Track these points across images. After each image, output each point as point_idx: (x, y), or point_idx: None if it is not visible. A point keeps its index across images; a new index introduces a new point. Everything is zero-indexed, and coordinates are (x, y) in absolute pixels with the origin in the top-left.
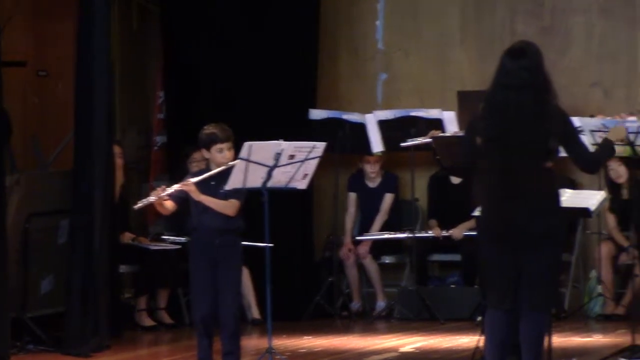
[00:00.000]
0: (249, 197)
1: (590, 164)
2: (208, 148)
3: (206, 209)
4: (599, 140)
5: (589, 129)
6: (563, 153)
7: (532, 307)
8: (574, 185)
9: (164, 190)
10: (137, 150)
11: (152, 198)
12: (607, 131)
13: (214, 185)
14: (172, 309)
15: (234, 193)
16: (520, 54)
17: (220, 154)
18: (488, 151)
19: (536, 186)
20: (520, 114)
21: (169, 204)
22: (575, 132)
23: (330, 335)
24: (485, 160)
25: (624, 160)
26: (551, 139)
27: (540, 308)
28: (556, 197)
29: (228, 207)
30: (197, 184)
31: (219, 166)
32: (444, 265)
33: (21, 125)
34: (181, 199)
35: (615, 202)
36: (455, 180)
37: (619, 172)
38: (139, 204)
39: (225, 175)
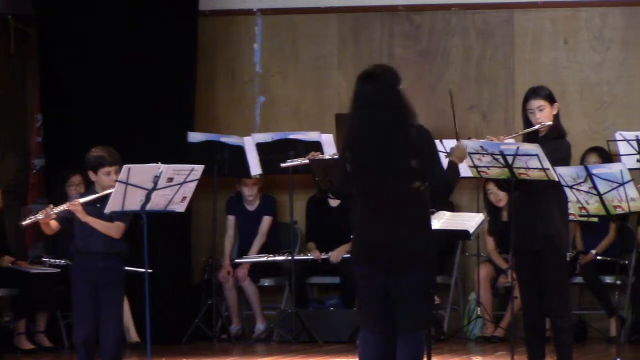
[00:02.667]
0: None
1: (444, 189)
2: (95, 171)
3: (92, 232)
4: (477, 162)
5: (467, 151)
6: None
7: (404, 328)
8: (453, 208)
9: (51, 209)
10: (15, 173)
11: (39, 216)
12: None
13: (100, 208)
14: (51, 332)
15: (120, 216)
16: (372, 77)
17: (108, 177)
18: (355, 175)
19: (403, 207)
20: (377, 136)
21: (54, 224)
22: (433, 154)
23: (210, 358)
24: (355, 183)
25: (501, 183)
26: (411, 160)
27: (411, 329)
28: (425, 219)
29: (114, 229)
30: (83, 205)
31: (105, 189)
32: (323, 288)
33: None
34: (66, 219)
35: (494, 225)
36: (334, 202)
37: (499, 195)
38: (27, 221)
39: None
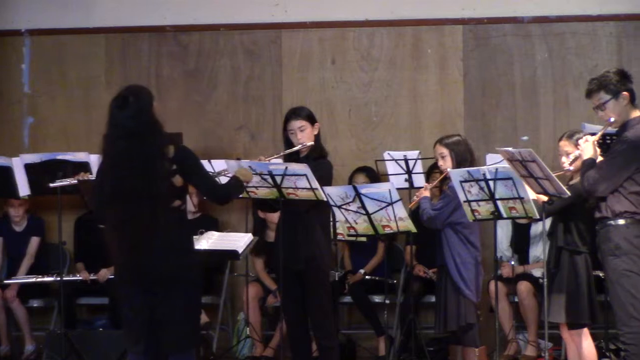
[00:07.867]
0: None
1: (218, 196)
2: None
3: None
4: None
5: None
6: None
7: (170, 349)
8: (219, 227)
9: None
10: None
11: None
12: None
13: None
14: None
15: None
16: (124, 103)
17: None
18: (111, 199)
19: (163, 230)
20: (131, 161)
21: None
22: (196, 167)
23: None
24: (111, 207)
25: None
26: (167, 180)
27: (178, 349)
28: (184, 237)
29: None
30: None
31: None
32: (92, 309)
33: None
34: None
35: (261, 245)
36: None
37: (268, 214)
38: None
39: None
